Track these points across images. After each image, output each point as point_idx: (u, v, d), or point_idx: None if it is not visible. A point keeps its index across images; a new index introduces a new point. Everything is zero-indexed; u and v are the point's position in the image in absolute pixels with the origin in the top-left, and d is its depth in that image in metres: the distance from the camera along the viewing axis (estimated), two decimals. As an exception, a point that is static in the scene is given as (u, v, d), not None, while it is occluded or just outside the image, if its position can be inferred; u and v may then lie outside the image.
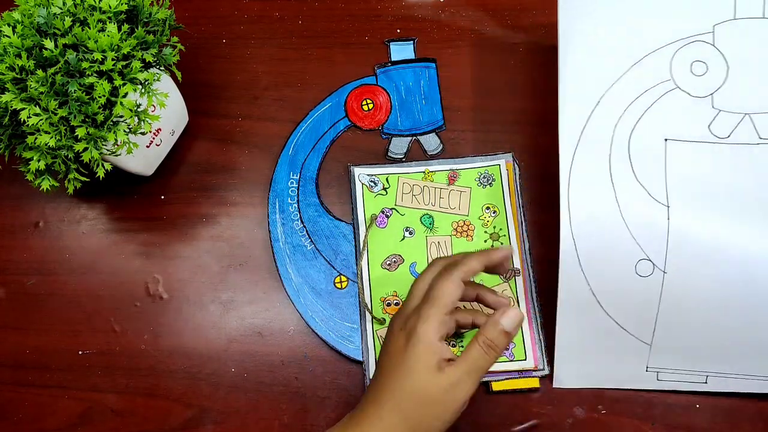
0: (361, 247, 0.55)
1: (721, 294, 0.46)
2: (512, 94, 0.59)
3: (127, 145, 0.47)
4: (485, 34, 0.62)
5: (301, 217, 0.56)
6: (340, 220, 0.56)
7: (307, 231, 0.56)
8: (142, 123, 0.47)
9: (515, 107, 0.59)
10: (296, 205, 0.57)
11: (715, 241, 0.46)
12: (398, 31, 0.62)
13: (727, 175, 0.46)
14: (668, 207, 0.46)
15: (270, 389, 0.52)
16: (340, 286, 0.54)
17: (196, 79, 0.61)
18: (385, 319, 0.53)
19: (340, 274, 0.55)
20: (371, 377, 0.48)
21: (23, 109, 0.44)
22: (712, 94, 0.47)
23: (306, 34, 0.63)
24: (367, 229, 0.55)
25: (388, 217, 0.56)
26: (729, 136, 0.47)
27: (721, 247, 0.45)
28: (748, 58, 0.47)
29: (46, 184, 0.47)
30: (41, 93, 0.44)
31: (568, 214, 0.47)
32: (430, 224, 0.55)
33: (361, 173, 0.57)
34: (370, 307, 0.53)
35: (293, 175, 0.58)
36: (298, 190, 0.57)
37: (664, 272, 0.46)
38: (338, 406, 0.51)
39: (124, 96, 0.45)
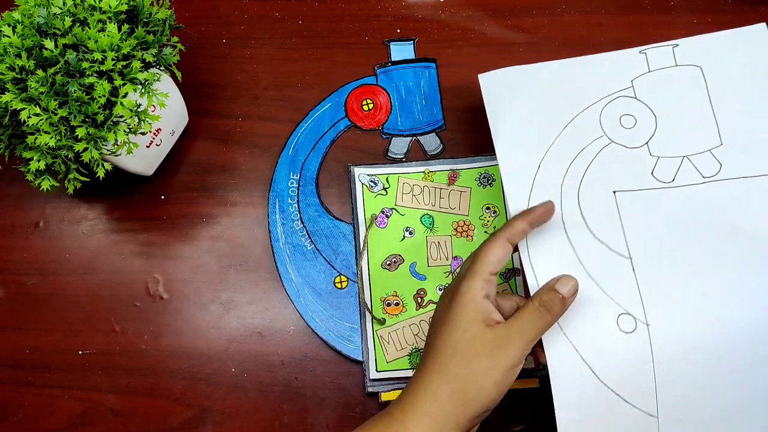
0: (361, 247, 0.55)
1: (710, 341, 0.43)
2: (512, 94, 0.59)
3: (127, 145, 0.47)
4: (485, 34, 0.62)
5: (301, 217, 0.56)
6: (340, 220, 0.56)
7: (307, 231, 0.56)
8: (142, 123, 0.47)
9: (515, 107, 0.59)
10: (296, 205, 0.57)
11: (685, 285, 0.45)
12: (398, 31, 0.62)
13: (681, 216, 0.46)
14: (631, 258, 0.45)
15: (270, 389, 0.52)
16: (340, 286, 0.54)
17: (196, 79, 0.61)
18: (385, 319, 0.53)
19: (340, 274, 0.55)
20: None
21: (23, 109, 0.44)
22: (647, 143, 0.48)
23: (306, 34, 0.63)
24: (367, 229, 0.55)
25: (388, 217, 0.56)
26: (674, 180, 0.47)
27: (692, 290, 0.44)
28: (671, 104, 0.48)
29: (46, 184, 0.47)
30: (41, 93, 0.44)
31: (536, 282, 0.45)
32: (430, 224, 0.55)
33: (361, 173, 0.57)
34: (370, 307, 0.53)
35: (293, 175, 0.58)
36: (298, 190, 0.57)
37: (648, 324, 0.44)
38: (338, 406, 0.52)
39: (124, 96, 0.45)
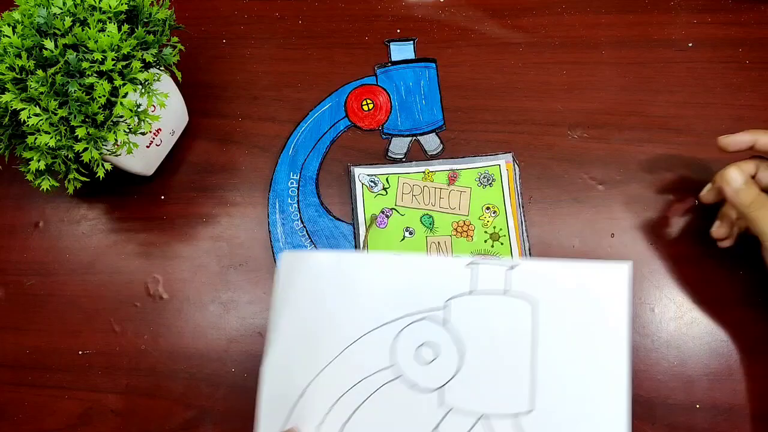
0: (361, 247, 0.55)
1: None
2: (512, 94, 0.59)
3: (127, 145, 0.47)
4: (485, 34, 0.62)
5: (301, 217, 0.56)
6: (340, 220, 0.56)
7: (307, 231, 0.56)
8: (142, 123, 0.47)
9: (515, 107, 0.59)
10: (296, 205, 0.57)
11: None
12: (398, 31, 0.62)
13: None
14: None
15: (270, 389, 0.52)
16: (340, 286, 0.54)
17: (196, 79, 0.61)
18: (385, 319, 0.53)
19: (340, 274, 0.55)
20: None
21: (23, 109, 0.44)
22: (441, 386, 0.37)
23: (306, 34, 0.63)
24: (367, 229, 0.55)
25: (388, 217, 0.56)
26: None
27: None
28: (486, 344, 0.38)
29: (46, 184, 0.47)
30: (41, 93, 0.44)
31: None
32: (430, 224, 0.55)
33: (361, 173, 0.57)
34: (370, 307, 0.53)
35: (293, 175, 0.58)
36: (298, 190, 0.57)
37: None
38: (338, 406, 0.51)
39: (124, 96, 0.45)
